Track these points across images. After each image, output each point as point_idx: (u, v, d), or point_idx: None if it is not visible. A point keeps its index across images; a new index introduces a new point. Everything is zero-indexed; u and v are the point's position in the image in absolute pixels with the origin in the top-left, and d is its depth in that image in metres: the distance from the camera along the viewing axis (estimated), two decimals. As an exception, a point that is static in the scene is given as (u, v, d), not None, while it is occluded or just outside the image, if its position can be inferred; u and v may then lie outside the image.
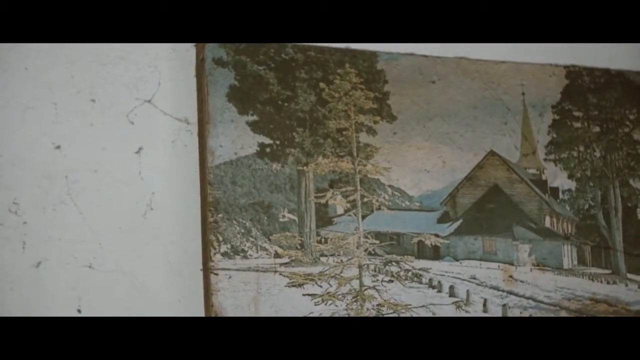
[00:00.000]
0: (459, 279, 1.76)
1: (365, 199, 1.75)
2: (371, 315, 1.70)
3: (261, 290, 1.75)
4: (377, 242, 1.75)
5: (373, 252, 1.75)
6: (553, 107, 1.73)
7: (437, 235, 1.77)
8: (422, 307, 1.72)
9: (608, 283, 1.75)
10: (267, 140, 1.76)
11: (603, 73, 1.74)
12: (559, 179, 1.77)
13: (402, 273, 1.73)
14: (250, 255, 1.78)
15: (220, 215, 1.76)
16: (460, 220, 1.79)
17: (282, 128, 1.76)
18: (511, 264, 1.76)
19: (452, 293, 1.74)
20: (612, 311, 1.73)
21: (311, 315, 1.72)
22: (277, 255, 1.77)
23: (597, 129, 1.74)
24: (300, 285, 1.74)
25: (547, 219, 1.80)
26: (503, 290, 1.74)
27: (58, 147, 1.77)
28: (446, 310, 1.72)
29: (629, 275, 1.74)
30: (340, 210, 1.78)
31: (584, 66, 1.73)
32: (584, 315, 1.69)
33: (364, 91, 1.73)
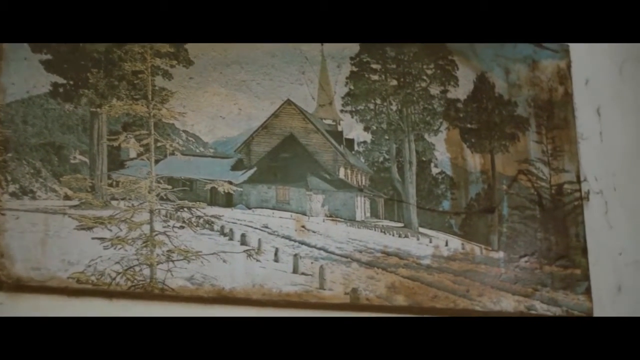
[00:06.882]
0: (251, 227, 1.75)
1: (159, 144, 1.73)
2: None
3: (49, 232, 1.73)
4: (170, 187, 1.74)
5: (165, 198, 1.73)
6: (351, 58, 1.72)
7: (230, 183, 1.76)
8: (213, 254, 1.72)
9: (400, 236, 1.76)
10: (61, 80, 1.73)
11: (403, 26, 1.73)
12: (355, 131, 1.76)
13: (193, 219, 1.72)
14: (39, 196, 1.75)
15: (10, 155, 1.73)
16: (255, 169, 1.78)
17: (77, 68, 1.73)
18: (304, 214, 1.76)
19: (243, 241, 1.74)
20: (402, 264, 1.75)
21: (98, 259, 1.71)
22: (66, 197, 1.74)
23: (394, 82, 1.73)
24: (89, 228, 1.72)
25: (342, 170, 1.80)
26: (295, 240, 1.74)
27: None
28: (237, 258, 1.72)
29: (421, 230, 1.75)
30: (133, 154, 1.76)
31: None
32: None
33: (162, 34, 1.70)
